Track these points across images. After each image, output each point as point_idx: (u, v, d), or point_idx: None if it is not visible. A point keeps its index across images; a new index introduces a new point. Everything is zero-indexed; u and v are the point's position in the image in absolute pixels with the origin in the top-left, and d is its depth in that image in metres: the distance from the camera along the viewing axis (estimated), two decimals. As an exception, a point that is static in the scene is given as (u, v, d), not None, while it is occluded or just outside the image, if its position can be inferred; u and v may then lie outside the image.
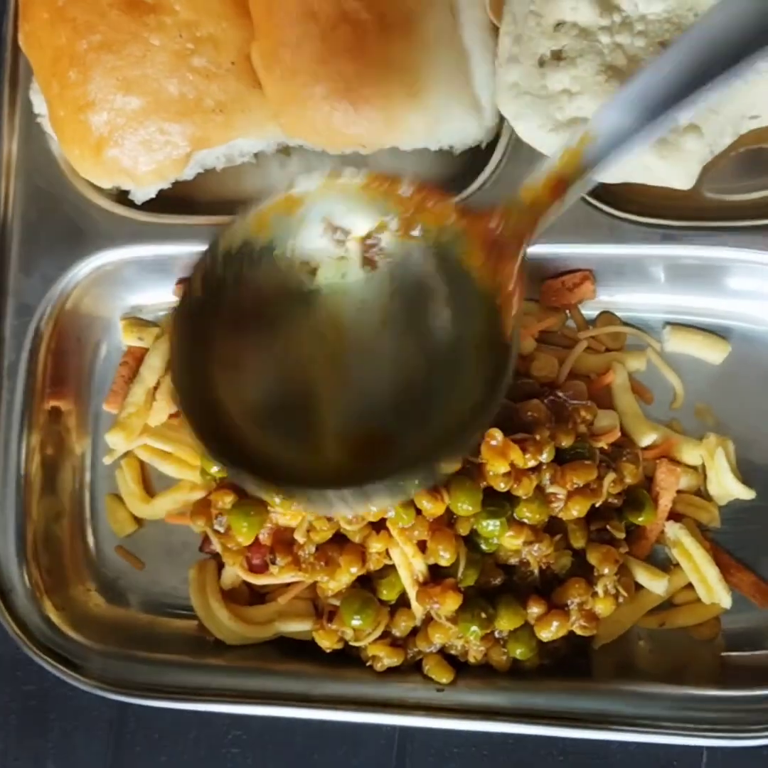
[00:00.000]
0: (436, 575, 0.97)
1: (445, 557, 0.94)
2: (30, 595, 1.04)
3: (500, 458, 0.91)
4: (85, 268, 1.07)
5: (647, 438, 1.02)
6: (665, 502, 1.00)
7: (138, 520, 1.11)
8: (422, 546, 0.95)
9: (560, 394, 0.97)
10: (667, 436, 1.03)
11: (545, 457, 0.93)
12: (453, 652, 1.00)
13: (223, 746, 1.09)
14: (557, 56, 0.97)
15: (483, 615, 0.95)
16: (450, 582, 0.95)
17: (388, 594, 0.98)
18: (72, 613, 1.06)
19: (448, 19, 0.98)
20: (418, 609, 0.98)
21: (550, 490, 0.95)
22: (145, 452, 1.09)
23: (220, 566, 1.06)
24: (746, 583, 1.01)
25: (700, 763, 1.01)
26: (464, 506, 0.93)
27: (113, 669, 1.03)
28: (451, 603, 0.94)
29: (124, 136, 0.99)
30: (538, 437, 0.93)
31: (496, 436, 0.92)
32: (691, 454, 1.02)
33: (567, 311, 1.06)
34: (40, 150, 1.07)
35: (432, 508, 0.93)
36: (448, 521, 0.95)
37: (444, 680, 0.99)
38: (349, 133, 0.98)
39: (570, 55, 0.97)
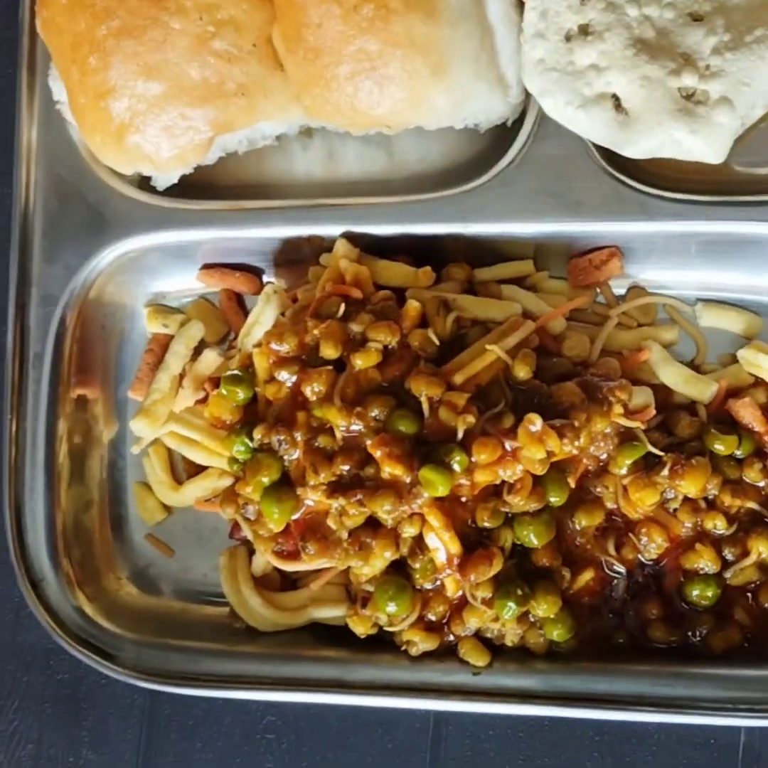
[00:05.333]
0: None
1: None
2: (62, 586, 1.04)
3: (537, 444, 0.91)
4: (108, 256, 1.06)
5: (709, 391, 0.99)
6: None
7: (167, 508, 1.10)
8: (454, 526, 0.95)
9: (593, 375, 0.96)
10: (720, 374, 1.01)
11: (582, 442, 0.93)
12: (489, 635, 0.99)
13: (258, 732, 1.09)
14: (584, 31, 0.95)
15: (519, 592, 0.94)
16: (492, 550, 0.94)
17: (422, 578, 0.98)
18: (104, 603, 1.06)
19: (472, -6, 0.96)
20: (452, 591, 0.97)
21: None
22: (172, 440, 1.08)
23: (251, 553, 1.05)
24: None
25: (738, 742, 1.01)
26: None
27: (147, 657, 1.03)
28: (495, 567, 0.94)
29: (145, 122, 0.98)
30: (575, 423, 0.92)
31: (535, 422, 0.91)
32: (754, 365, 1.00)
33: (597, 289, 1.05)
34: (61, 137, 1.06)
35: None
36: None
37: (480, 663, 0.98)
38: (374, 113, 0.96)
39: (597, 29, 0.95)
